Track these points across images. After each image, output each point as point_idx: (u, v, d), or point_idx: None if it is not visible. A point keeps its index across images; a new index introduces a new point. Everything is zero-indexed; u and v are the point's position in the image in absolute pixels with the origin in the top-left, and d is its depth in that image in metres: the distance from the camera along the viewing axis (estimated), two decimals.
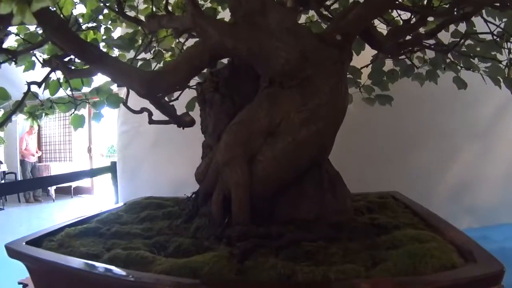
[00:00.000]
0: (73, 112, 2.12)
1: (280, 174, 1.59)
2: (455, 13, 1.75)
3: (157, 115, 1.89)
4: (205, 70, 1.91)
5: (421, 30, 1.97)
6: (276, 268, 1.29)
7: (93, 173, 4.75)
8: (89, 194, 11.78)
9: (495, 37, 1.81)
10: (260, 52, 1.61)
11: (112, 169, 4.03)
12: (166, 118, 1.80)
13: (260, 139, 1.59)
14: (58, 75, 2.00)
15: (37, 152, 11.42)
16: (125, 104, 2.09)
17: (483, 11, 1.82)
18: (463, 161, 3.43)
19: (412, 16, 1.99)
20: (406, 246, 1.39)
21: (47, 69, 1.92)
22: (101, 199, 10.07)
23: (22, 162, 10.95)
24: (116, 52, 2.23)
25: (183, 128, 1.88)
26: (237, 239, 1.51)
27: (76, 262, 1.41)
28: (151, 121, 1.96)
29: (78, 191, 11.72)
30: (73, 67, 2.02)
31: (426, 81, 2.26)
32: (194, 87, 1.94)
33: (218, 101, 1.78)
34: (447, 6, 1.89)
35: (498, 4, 1.71)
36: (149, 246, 1.56)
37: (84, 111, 2.19)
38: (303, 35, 1.63)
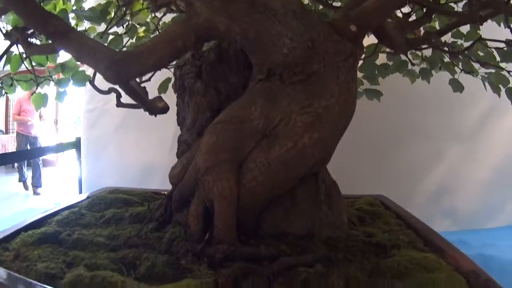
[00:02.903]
0: (35, 90, 1.65)
1: (273, 186, 1.16)
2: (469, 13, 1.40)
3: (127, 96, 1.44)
4: None
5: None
6: None
7: (58, 148, 4.21)
8: (53, 166, 9.86)
9: (509, 46, 1.48)
10: (258, 38, 1.15)
11: (76, 144, 3.52)
12: None
13: (251, 142, 1.15)
14: (21, 49, 1.53)
15: (41, 118, 7.28)
16: (91, 82, 1.61)
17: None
18: (446, 164, 3.08)
19: (412, 11, 1.61)
20: (414, 276, 1.09)
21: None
22: (65, 172, 8.32)
23: (18, 135, 7.19)
24: (86, 25, 1.74)
25: (155, 116, 1.43)
26: (222, 260, 1.12)
27: None
28: (119, 104, 1.48)
29: (43, 163, 10.27)
30: (37, 41, 1.55)
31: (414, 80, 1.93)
32: (171, 67, 1.49)
33: (199, 90, 1.31)
34: (457, 4, 1.54)
35: None
36: (117, 263, 1.13)
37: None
38: (313, 22, 1.18)
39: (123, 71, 1.19)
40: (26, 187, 6.99)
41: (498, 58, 1.61)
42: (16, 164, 6.97)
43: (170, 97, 1.51)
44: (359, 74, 1.82)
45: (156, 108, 1.39)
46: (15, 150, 7.67)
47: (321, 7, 1.72)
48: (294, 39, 1.14)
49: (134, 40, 1.80)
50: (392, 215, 1.56)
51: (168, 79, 1.75)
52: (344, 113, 1.17)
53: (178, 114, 1.42)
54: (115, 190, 1.79)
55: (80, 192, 3.42)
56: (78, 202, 1.64)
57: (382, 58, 1.84)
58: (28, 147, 7.01)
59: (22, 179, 7.07)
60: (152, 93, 1.58)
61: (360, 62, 1.77)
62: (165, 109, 1.40)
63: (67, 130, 10.42)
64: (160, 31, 1.77)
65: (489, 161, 3.04)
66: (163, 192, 1.73)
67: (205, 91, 1.30)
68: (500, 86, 1.64)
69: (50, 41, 1.31)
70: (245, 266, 1.10)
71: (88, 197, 1.69)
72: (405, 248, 1.28)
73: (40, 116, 7.20)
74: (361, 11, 1.22)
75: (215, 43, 1.34)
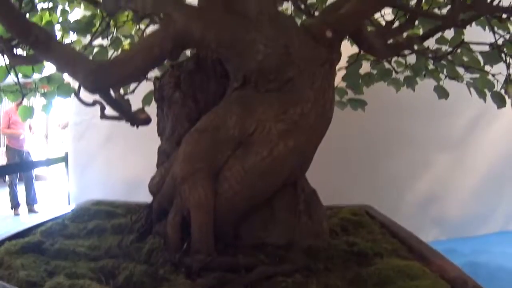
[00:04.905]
0: (21, 102, 1.64)
1: (250, 195, 1.13)
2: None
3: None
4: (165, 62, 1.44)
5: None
6: None
7: (47, 162, 4.17)
8: (43, 180, 9.23)
9: (494, 48, 1.45)
10: (233, 44, 1.12)
11: (65, 159, 3.51)
12: None
13: (227, 151, 1.12)
14: (7, 60, 1.51)
15: (31, 130, 6.46)
16: (76, 95, 1.60)
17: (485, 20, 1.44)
18: (433, 172, 3.04)
19: (395, 18, 1.58)
20: (396, 284, 1.05)
21: None
22: (54, 186, 7.88)
23: (8, 150, 6.29)
24: (72, 36, 1.74)
25: (137, 127, 1.42)
26: (199, 270, 1.09)
27: None
28: (103, 116, 1.46)
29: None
30: (23, 52, 1.55)
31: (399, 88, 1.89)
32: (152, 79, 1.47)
33: (178, 100, 1.29)
34: (441, 10, 1.51)
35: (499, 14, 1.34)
36: (96, 272, 1.12)
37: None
38: (288, 28, 1.16)
39: (101, 80, 1.17)
40: (16, 213, 6.04)
41: (482, 63, 1.58)
42: (7, 187, 6.19)
43: (155, 110, 1.49)
44: (343, 84, 1.80)
45: (138, 119, 1.37)
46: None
47: (304, 17, 1.70)
48: (269, 46, 1.12)
49: (119, 52, 1.79)
50: (377, 224, 1.51)
51: (152, 92, 1.73)
52: (320, 120, 1.14)
53: (158, 124, 1.40)
54: (99, 202, 1.77)
55: (69, 204, 3.39)
56: (62, 215, 1.61)
57: (366, 67, 1.81)
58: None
59: (14, 203, 6.06)
60: (137, 105, 1.56)
61: (344, 71, 1.74)
62: (147, 121, 1.38)
63: (57, 145, 9.44)
64: None
65: (477, 168, 2.99)
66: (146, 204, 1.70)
67: (183, 102, 1.28)
68: (486, 90, 1.60)
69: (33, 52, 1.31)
70: (222, 275, 1.07)
71: (72, 209, 1.67)
72: (388, 256, 1.24)
73: (30, 128, 6.46)
74: (337, 16, 1.20)
75: (194, 52, 1.32)
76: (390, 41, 1.43)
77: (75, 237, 1.39)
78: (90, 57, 1.68)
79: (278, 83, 1.12)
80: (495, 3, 1.42)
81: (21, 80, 1.62)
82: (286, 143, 1.09)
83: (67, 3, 1.71)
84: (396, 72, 1.74)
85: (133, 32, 1.79)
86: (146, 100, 1.72)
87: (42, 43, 1.17)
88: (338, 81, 1.77)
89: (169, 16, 1.18)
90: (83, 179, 3.39)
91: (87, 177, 3.38)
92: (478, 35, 1.58)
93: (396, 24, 1.55)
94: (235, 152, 1.13)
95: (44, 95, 1.63)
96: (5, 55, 1.48)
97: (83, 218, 1.55)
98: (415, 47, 1.46)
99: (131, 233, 1.33)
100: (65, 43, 1.66)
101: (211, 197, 1.11)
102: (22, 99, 1.59)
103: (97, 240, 1.34)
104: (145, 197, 1.44)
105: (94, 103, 1.51)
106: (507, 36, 1.52)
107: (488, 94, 1.61)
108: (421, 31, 1.65)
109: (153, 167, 1.47)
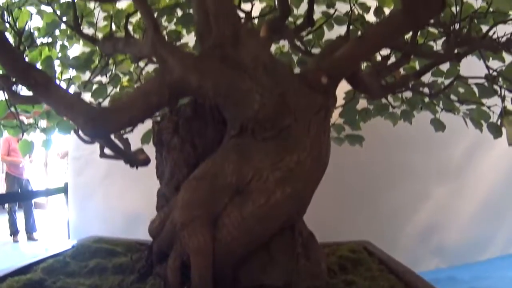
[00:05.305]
0: (22, 137, 1.67)
1: (248, 240, 1.14)
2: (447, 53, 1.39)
3: None
4: None
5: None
6: None
7: (47, 192, 4.21)
8: (42, 209, 9.02)
9: (488, 81, 1.47)
10: (230, 94, 1.15)
11: (65, 189, 3.55)
12: None
13: (225, 198, 1.14)
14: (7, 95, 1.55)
15: (30, 158, 6.42)
16: (76, 132, 1.63)
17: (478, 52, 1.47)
18: (433, 202, 3.06)
19: (391, 53, 1.60)
20: None
21: None
22: (53, 214, 7.86)
23: (8, 177, 6.24)
24: (71, 73, 1.76)
25: (136, 168, 1.44)
26: None
27: None
28: (102, 155, 1.48)
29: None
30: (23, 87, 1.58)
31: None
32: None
33: (176, 146, 1.30)
34: (436, 42, 1.54)
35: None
36: None
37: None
38: (283, 75, 1.19)
39: (100, 127, 1.19)
40: (16, 240, 5.98)
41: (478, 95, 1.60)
42: (7, 214, 6.16)
43: (154, 148, 1.51)
44: (341, 120, 1.82)
45: (137, 160, 1.39)
46: (4, 192, 6.60)
47: (300, 54, 1.72)
48: (264, 95, 1.14)
49: (117, 89, 1.81)
50: (375, 261, 1.52)
51: (151, 130, 1.74)
52: (316, 166, 1.16)
53: (157, 168, 1.43)
54: (99, 239, 1.78)
55: (69, 237, 3.43)
56: (63, 252, 1.62)
57: (363, 103, 1.83)
58: (19, 191, 6.15)
59: (14, 230, 6.02)
60: (136, 142, 1.58)
61: (340, 108, 1.76)
62: (146, 162, 1.39)
63: (57, 173, 9.48)
64: (142, 80, 1.78)
65: (474, 196, 3.01)
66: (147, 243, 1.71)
67: (181, 147, 1.30)
68: (482, 121, 1.62)
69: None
70: None
71: (73, 246, 1.68)
72: None
73: (29, 156, 6.39)
74: (332, 62, 1.22)
75: (191, 98, 1.34)
76: (386, 78, 1.46)
77: (76, 275, 1.39)
78: (89, 94, 1.71)
79: (275, 131, 1.15)
80: (491, 33, 1.45)
81: (21, 112, 1.66)
82: (283, 191, 1.11)
83: (66, 38, 1.73)
84: (393, 107, 1.76)
85: (131, 69, 1.81)
86: (144, 139, 1.73)
87: (40, 86, 1.19)
88: (335, 117, 1.80)
89: (165, 63, 1.21)
90: (83, 213, 3.42)
91: (87, 211, 3.40)
92: (472, 64, 1.60)
93: (392, 58, 1.58)
94: (233, 199, 1.15)
95: (44, 130, 1.66)
96: (5, 92, 1.53)
97: (84, 255, 1.56)
98: (411, 84, 1.48)
99: (132, 273, 1.35)
100: (64, 83, 1.68)
101: (210, 243, 1.13)
102: (22, 135, 1.62)
103: (98, 279, 1.35)
104: (145, 233, 1.46)
105: (93, 140, 1.53)
106: (502, 68, 1.54)
107: (484, 125, 1.63)
108: (417, 64, 1.68)
109: (150, 204, 1.49)
